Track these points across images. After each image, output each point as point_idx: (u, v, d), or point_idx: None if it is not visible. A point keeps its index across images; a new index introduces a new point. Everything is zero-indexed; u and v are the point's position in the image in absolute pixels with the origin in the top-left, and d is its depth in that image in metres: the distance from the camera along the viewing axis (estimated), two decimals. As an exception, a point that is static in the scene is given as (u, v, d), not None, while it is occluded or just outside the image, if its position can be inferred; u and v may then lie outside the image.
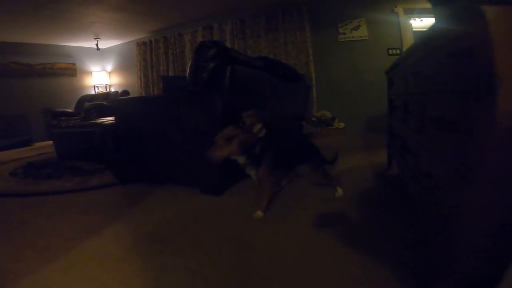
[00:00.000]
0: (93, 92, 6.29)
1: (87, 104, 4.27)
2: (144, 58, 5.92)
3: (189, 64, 1.94)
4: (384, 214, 1.37)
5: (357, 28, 4.04)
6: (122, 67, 6.47)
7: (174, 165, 1.93)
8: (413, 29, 3.86)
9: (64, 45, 6.07)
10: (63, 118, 4.61)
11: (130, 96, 4.92)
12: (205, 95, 1.74)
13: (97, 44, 6.03)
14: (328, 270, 0.95)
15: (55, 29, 4.96)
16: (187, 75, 1.99)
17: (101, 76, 6.51)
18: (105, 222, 1.47)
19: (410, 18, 3.89)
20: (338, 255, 1.03)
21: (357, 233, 1.19)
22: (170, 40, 5.53)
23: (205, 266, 1.02)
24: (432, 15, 3.74)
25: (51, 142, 4.89)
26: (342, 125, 3.87)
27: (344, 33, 4.11)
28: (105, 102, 4.33)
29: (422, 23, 3.92)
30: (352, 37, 4.05)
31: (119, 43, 6.35)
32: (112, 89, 6.39)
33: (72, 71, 6.21)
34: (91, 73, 6.52)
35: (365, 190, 1.70)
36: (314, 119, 3.73)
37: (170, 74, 5.60)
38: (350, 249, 1.06)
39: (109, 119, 2.79)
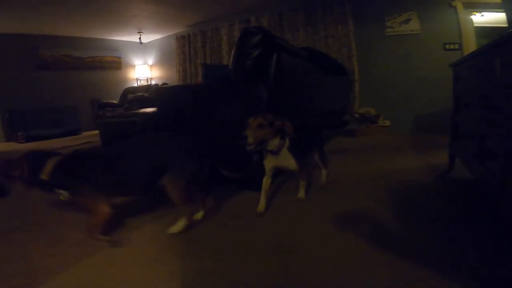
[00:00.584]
0: (135, 85, 6.59)
1: (130, 96, 4.45)
2: (183, 52, 6.03)
3: (232, 53, 1.86)
4: (453, 226, 1.15)
5: (407, 21, 3.78)
6: (162, 60, 6.68)
7: (213, 156, 1.87)
8: (474, 24, 3.56)
9: (111, 39, 6.41)
10: (108, 108, 4.86)
11: (171, 85, 5.03)
12: (249, 84, 1.64)
13: (140, 38, 6.27)
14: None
15: (102, 23, 5.23)
16: (229, 63, 1.90)
17: (143, 69, 6.78)
18: (140, 216, 1.43)
19: (470, 13, 3.55)
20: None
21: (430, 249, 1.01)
22: (207, 34, 5.56)
23: (245, 271, 0.93)
24: (496, 10, 3.31)
25: (97, 131, 5.22)
26: (387, 123, 3.58)
27: (392, 27, 3.86)
28: (147, 94, 4.47)
29: (483, 18, 3.62)
30: (402, 31, 3.80)
31: (159, 37, 6.55)
32: (153, 82, 6.63)
33: (117, 64, 6.54)
34: (134, 66, 6.82)
35: (420, 196, 1.48)
36: (357, 115, 3.49)
37: (206, 68, 5.64)
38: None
39: (150, 110, 2.83)
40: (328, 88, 2.61)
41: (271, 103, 1.56)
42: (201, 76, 4.95)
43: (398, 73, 3.81)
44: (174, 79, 6.17)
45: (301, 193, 1.52)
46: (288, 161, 1.38)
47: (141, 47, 6.68)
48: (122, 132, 2.89)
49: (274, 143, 1.32)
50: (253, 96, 1.59)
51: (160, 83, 5.94)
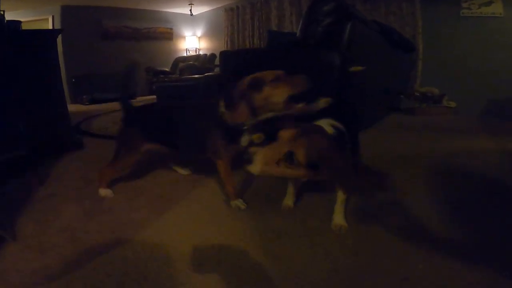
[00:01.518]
0: (185, 55, 6.79)
1: (181, 64, 4.60)
2: (231, 24, 6.03)
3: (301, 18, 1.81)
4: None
5: (488, 4, 3.48)
6: (211, 32, 6.76)
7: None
8: None
9: (164, 11, 6.62)
10: (161, 76, 5.10)
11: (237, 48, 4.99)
12: (320, 50, 1.60)
13: (190, 10, 6.38)
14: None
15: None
16: (297, 31, 1.86)
17: (192, 41, 6.96)
18: (212, 174, 1.42)
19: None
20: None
21: None
22: (256, 6, 5.47)
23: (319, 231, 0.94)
24: None
25: (150, 96, 5.53)
26: (452, 104, 3.32)
27: (470, 8, 3.59)
28: (196, 63, 4.59)
29: None
30: (481, 12, 3.51)
31: (209, 9, 6.59)
32: (201, 53, 6.77)
33: (169, 35, 6.78)
34: (184, 37, 7.02)
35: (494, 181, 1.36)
36: (418, 94, 3.27)
37: (255, 41, 5.58)
38: None
39: (206, 74, 2.91)
40: (393, 63, 2.45)
41: (344, 71, 1.52)
42: (267, 42, 4.92)
43: (473, 55, 3.54)
44: (221, 50, 6.23)
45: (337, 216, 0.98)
46: None
47: (191, 18, 6.80)
48: (177, 95, 3.03)
49: None
50: (324, 63, 1.56)
51: (208, 53, 6.05)
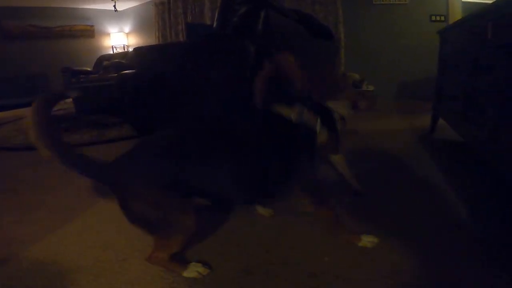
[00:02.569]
0: (111, 52, 6.21)
1: (106, 62, 4.18)
2: (162, 19, 5.69)
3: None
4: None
5: None
6: (140, 28, 6.32)
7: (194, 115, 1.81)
8: (462, 0, 3.64)
9: (82, 8, 6.01)
10: (82, 76, 4.56)
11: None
12: (235, 40, 1.56)
13: (114, 6, 5.84)
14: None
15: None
16: (214, 20, 1.80)
17: (119, 37, 6.41)
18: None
19: (457, -14, 3.61)
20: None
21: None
22: (188, 0, 5.25)
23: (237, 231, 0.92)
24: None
25: (70, 99, 4.94)
26: (371, 88, 3.65)
27: None
28: (123, 60, 4.22)
29: (470, -7, 3.69)
30: (390, 0, 3.86)
31: (136, 4, 6.13)
32: (130, 49, 6.27)
33: (90, 32, 6.18)
34: (109, 34, 6.43)
35: (408, 156, 1.53)
36: (341, 80, 3.53)
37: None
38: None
39: (122, 73, 2.67)
40: (314, 52, 2.56)
41: (259, 60, 1.51)
42: (185, 35, 4.72)
43: (384, 41, 3.90)
44: (153, 48, 5.88)
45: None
46: None
47: (116, 14, 6.25)
48: (96, 97, 2.73)
49: None
50: (240, 51, 1.53)
51: (138, 51, 5.64)
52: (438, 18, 3.65)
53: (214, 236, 0.90)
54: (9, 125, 3.15)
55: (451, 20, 3.47)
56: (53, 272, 0.78)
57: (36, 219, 1.08)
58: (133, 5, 6.19)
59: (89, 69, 5.19)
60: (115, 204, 1.09)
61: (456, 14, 3.54)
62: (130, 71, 2.20)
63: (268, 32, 1.62)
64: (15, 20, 5.30)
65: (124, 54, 5.27)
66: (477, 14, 1.21)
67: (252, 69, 1.46)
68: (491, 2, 1.02)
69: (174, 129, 0.76)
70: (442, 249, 0.78)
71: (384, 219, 0.94)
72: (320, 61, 2.97)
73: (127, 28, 6.52)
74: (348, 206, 1.03)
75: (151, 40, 6.02)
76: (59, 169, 1.47)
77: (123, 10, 6.32)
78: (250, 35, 1.58)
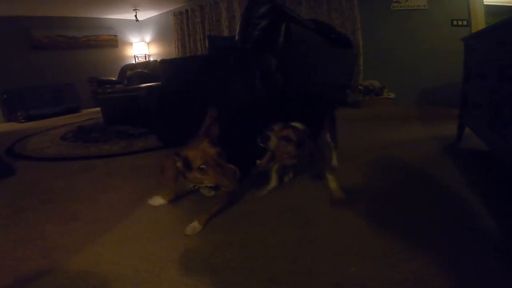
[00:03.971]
0: (133, 62, 6.47)
1: (129, 72, 4.38)
2: (181, 28, 5.88)
3: (238, 23, 1.82)
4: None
5: None
6: (160, 37, 6.53)
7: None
8: (484, 3, 3.54)
9: (106, 18, 6.26)
10: (107, 85, 4.80)
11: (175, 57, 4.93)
12: (256, 53, 1.62)
13: (136, 16, 6.10)
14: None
15: (96, 1, 5.07)
16: (236, 34, 1.87)
17: (141, 47, 6.65)
18: (152, 189, 1.41)
19: (479, -10, 3.53)
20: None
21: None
22: (206, 9, 5.41)
23: (261, 242, 0.95)
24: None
25: (96, 108, 5.17)
26: (392, 95, 3.62)
27: (398, 2, 3.87)
28: (146, 70, 4.40)
29: (492, -4, 3.60)
30: (408, 6, 3.81)
31: (156, 13, 6.36)
32: (151, 59, 6.51)
33: (114, 42, 6.43)
34: (131, 44, 6.69)
35: (434, 167, 1.50)
36: (361, 87, 3.51)
37: (206, 43, 5.52)
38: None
39: (148, 85, 2.80)
40: (333, 60, 2.58)
41: (280, 72, 1.55)
42: (207, 48, 4.83)
43: (404, 47, 3.84)
44: (173, 55, 6.06)
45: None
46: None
47: (137, 24, 6.50)
48: (124, 108, 2.87)
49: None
50: (262, 64, 1.58)
51: (158, 59, 5.83)
52: (460, 22, 3.55)
53: (239, 247, 0.93)
54: (40, 136, 3.31)
55: (474, 24, 3.39)
56: (95, 281, 0.82)
57: (74, 229, 1.13)
58: (153, 15, 6.42)
59: (113, 78, 5.45)
60: (148, 215, 1.19)
61: (479, 17, 3.44)
62: (156, 83, 2.31)
63: (289, 44, 1.67)
64: (45, 30, 5.51)
65: (146, 64, 5.49)
66: (505, 23, 1.19)
67: (275, 82, 1.51)
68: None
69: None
70: (467, 259, 0.78)
71: (410, 229, 0.95)
72: (342, 69, 2.99)
73: (147, 38, 6.77)
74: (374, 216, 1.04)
75: (170, 49, 6.22)
76: (90, 180, 1.59)
77: (144, 19, 6.56)
78: (271, 48, 1.62)
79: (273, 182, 1.31)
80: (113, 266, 0.88)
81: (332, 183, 1.19)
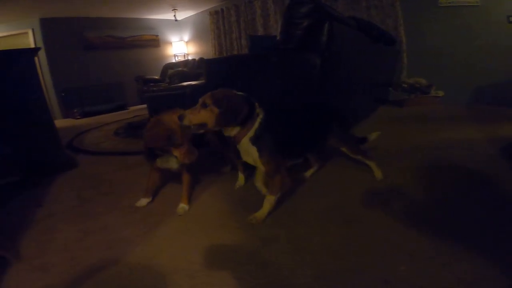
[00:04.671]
0: (173, 61, 6.81)
1: (170, 71, 4.62)
2: (217, 27, 6.05)
3: (280, 23, 1.86)
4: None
5: None
6: (198, 36, 6.77)
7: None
8: None
9: (148, 18, 6.61)
10: (151, 84, 5.12)
11: (219, 56, 5.07)
12: (300, 52, 1.65)
13: (174, 15, 6.39)
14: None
15: (138, 2, 5.38)
16: (277, 34, 1.91)
17: (180, 46, 6.95)
18: (199, 184, 1.50)
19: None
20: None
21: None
22: (241, 8, 5.51)
23: (307, 239, 0.98)
24: None
25: (142, 105, 5.56)
26: (440, 93, 3.40)
27: None
28: (185, 68, 4.61)
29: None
30: (458, 1, 3.58)
31: (193, 13, 6.59)
32: (190, 57, 6.79)
33: (155, 42, 6.78)
34: (171, 43, 7.01)
35: (489, 169, 1.41)
36: (406, 85, 3.34)
37: (242, 42, 5.62)
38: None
39: (192, 83, 2.94)
40: (375, 57, 2.51)
41: (324, 72, 1.57)
42: (243, 46, 4.92)
43: (454, 44, 3.61)
44: (210, 54, 6.27)
45: (260, 211, 1.10)
46: (252, 155, 1.09)
47: (176, 24, 6.80)
48: (168, 104, 3.04)
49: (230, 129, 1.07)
50: (306, 64, 1.61)
51: (196, 58, 6.08)
52: (517, 19, 3.23)
53: (286, 243, 0.97)
54: (95, 131, 3.64)
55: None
56: (155, 273, 0.87)
57: (134, 222, 1.19)
58: (190, 14, 6.66)
59: (157, 77, 5.80)
60: (196, 209, 1.28)
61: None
62: (198, 81, 2.44)
63: (333, 43, 1.67)
64: (96, 31, 5.89)
65: (185, 62, 5.76)
66: None
67: (319, 82, 1.53)
68: None
69: None
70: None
71: (462, 233, 0.93)
72: (385, 66, 2.88)
73: (186, 37, 7.05)
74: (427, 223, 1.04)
75: (208, 48, 6.43)
76: (144, 174, 1.71)
77: (182, 19, 6.84)
78: (315, 48, 1.64)
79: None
80: (170, 258, 0.93)
81: (264, 205, 1.12)
